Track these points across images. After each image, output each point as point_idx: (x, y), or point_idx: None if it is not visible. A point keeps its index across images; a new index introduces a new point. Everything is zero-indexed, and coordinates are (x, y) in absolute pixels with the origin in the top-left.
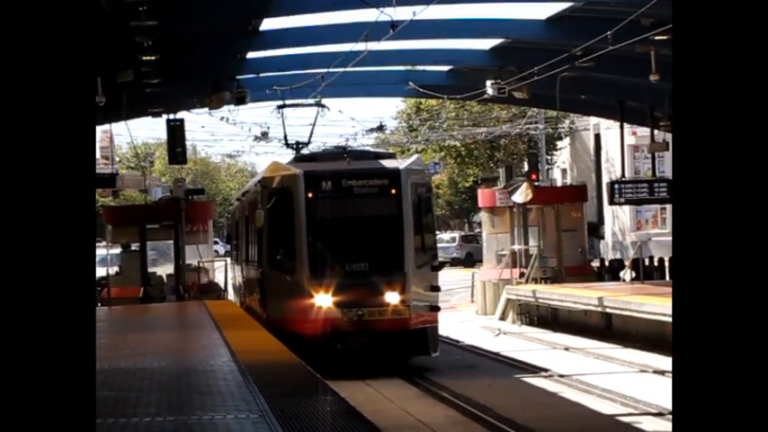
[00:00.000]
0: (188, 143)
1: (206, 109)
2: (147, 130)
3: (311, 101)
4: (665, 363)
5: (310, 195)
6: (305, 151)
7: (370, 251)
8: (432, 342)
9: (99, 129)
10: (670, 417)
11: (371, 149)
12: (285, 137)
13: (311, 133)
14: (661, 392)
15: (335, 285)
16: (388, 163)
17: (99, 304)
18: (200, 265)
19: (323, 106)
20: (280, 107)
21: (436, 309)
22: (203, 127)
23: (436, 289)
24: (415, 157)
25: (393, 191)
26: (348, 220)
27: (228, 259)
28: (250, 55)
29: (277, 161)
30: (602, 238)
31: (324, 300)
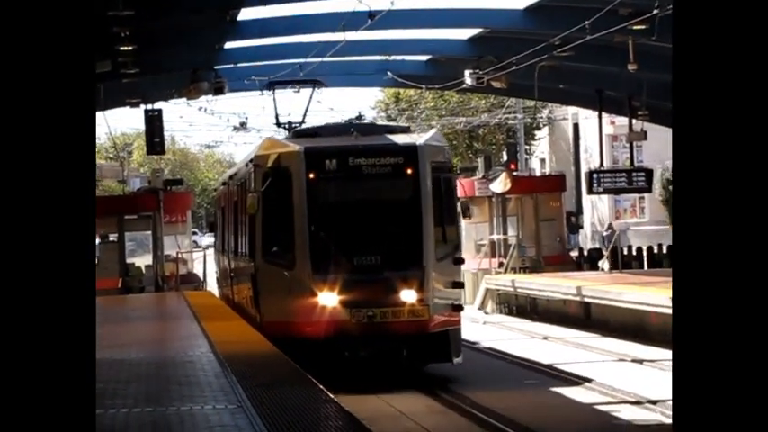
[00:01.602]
0: (166, 133)
1: (184, 99)
2: (126, 121)
3: (306, 78)
4: (644, 351)
5: (312, 176)
6: None
7: (382, 241)
8: (454, 347)
9: None
10: (648, 405)
11: (382, 123)
12: (276, 116)
13: (305, 112)
14: (639, 381)
15: (342, 282)
16: (402, 138)
17: None
18: (179, 255)
19: (319, 83)
20: (271, 84)
21: (459, 308)
22: (181, 117)
23: (459, 285)
24: (434, 131)
25: (409, 170)
26: (357, 206)
27: (211, 250)
28: (228, 45)
29: (272, 137)
30: (581, 227)
31: (328, 298)
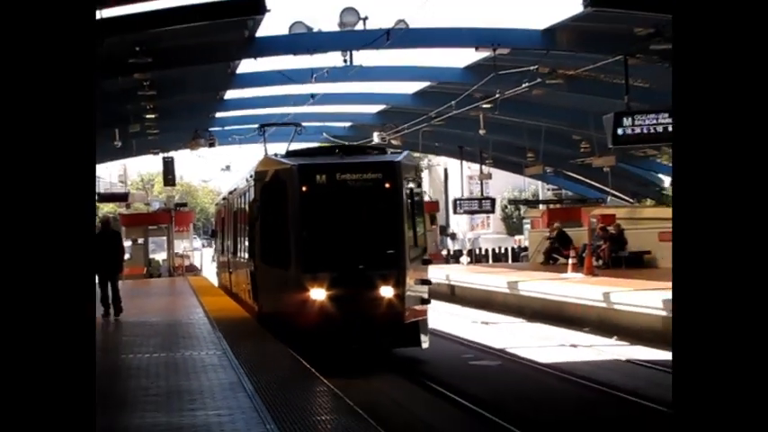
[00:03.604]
0: (176, 172)
1: (188, 150)
2: (149, 164)
3: (288, 122)
4: (489, 317)
5: (305, 189)
6: None
7: (365, 245)
8: (423, 334)
9: (117, 163)
10: (492, 352)
11: (362, 144)
12: (265, 150)
13: (288, 147)
14: (486, 336)
15: (330, 279)
16: (381, 157)
17: None
18: (184, 253)
19: (299, 125)
20: (262, 126)
21: (427, 302)
22: (187, 161)
23: (427, 282)
24: (406, 152)
25: (389, 184)
26: (343, 214)
27: (211, 251)
28: (218, 114)
29: (269, 156)
30: (455, 238)
31: (318, 294)
